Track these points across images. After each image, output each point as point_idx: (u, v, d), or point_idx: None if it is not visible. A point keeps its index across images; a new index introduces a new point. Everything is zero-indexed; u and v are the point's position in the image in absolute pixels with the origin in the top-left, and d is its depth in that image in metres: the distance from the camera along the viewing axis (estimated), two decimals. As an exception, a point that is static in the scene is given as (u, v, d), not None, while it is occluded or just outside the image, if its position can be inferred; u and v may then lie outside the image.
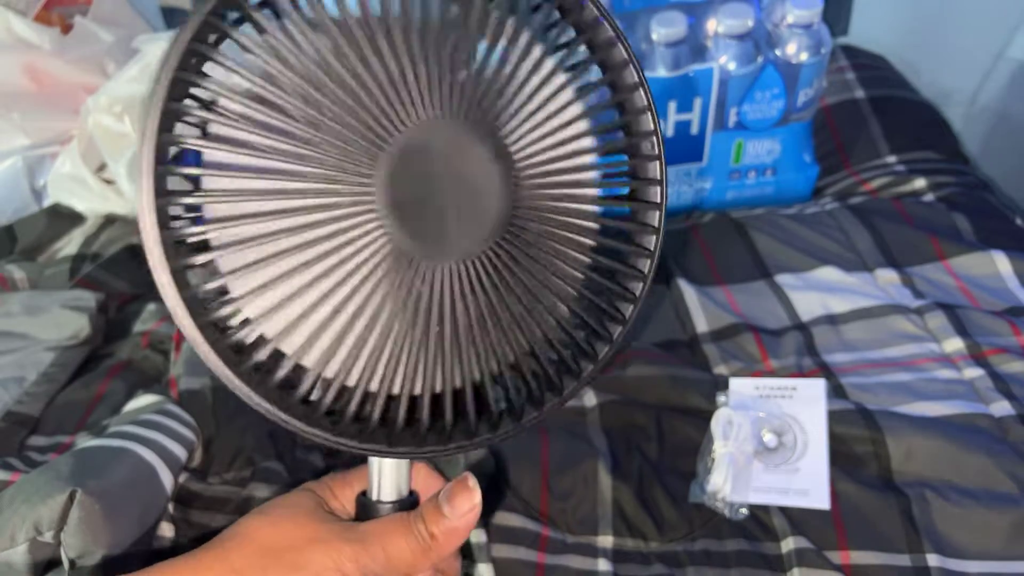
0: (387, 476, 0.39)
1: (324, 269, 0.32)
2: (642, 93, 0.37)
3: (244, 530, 0.37)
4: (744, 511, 0.53)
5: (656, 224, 0.39)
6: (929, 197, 0.79)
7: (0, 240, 0.90)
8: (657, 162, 0.38)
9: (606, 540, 0.53)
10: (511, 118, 0.34)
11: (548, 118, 0.35)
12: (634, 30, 0.75)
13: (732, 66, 0.73)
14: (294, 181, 0.31)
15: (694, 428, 0.58)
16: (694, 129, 0.78)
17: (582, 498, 0.55)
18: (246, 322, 0.32)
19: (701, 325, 0.68)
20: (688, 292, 0.70)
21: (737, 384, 0.60)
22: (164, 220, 0.30)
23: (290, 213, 0.31)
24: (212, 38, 0.31)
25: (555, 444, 0.57)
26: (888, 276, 0.69)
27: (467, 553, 0.52)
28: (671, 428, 0.59)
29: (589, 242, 0.37)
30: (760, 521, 0.54)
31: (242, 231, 0.31)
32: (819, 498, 0.53)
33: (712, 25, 0.74)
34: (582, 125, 0.36)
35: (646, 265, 0.39)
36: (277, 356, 0.33)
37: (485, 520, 0.53)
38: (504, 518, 0.54)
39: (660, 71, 0.74)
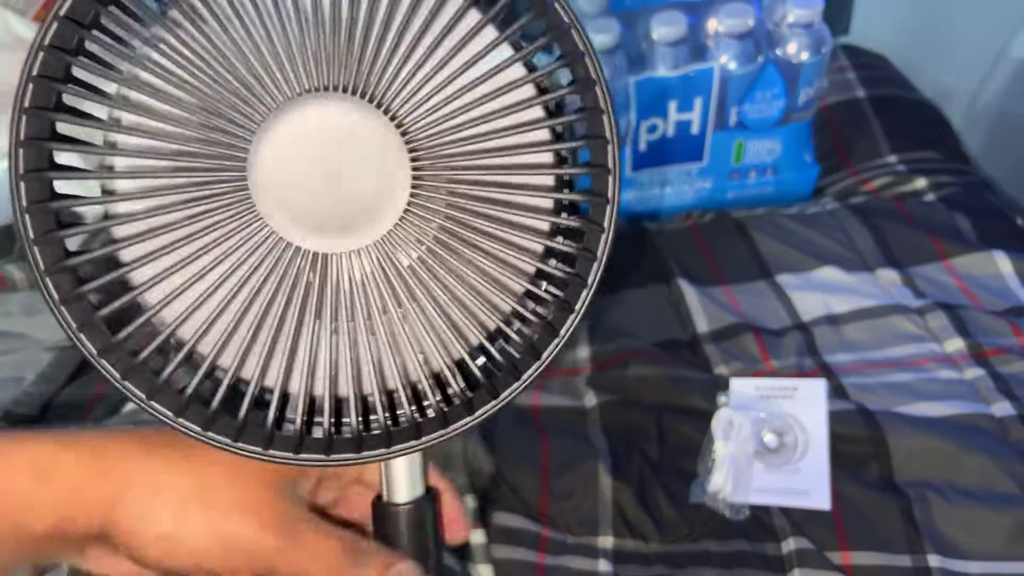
0: (396, 474, 0.36)
1: (210, 263, 0.30)
2: (588, 63, 0.31)
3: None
4: (745, 512, 0.53)
5: (605, 225, 0.33)
6: (930, 197, 0.78)
7: (0, 240, 0.90)
8: (610, 146, 0.32)
9: (606, 541, 0.53)
10: (415, 83, 0.30)
11: (470, 83, 0.30)
12: (634, 30, 0.75)
13: (733, 66, 0.73)
14: (168, 176, 0.30)
15: (695, 428, 0.58)
16: (694, 129, 0.78)
17: (582, 499, 0.55)
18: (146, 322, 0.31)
19: (702, 325, 0.68)
20: (688, 292, 0.70)
21: (738, 384, 0.60)
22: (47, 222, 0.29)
23: (168, 208, 0.30)
24: (74, 40, 0.29)
25: (555, 444, 0.57)
26: (889, 276, 0.69)
27: (467, 553, 0.52)
28: (672, 428, 0.59)
29: (521, 240, 0.32)
30: (761, 521, 0.53)
31: (122, 231, 0.30)
32: (820, 498, 0.53)
33: (712, 24, 0.74)
34: (525, 91, 0.31)
35: (590, 271, 0.33)
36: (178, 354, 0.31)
37: (485, 520, 0.53)
38: (504, 518, 0.54)
39: (660, 71, 0.74)
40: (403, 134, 0.30)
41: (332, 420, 0.32)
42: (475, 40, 0.30)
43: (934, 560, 0.49)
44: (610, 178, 0.32)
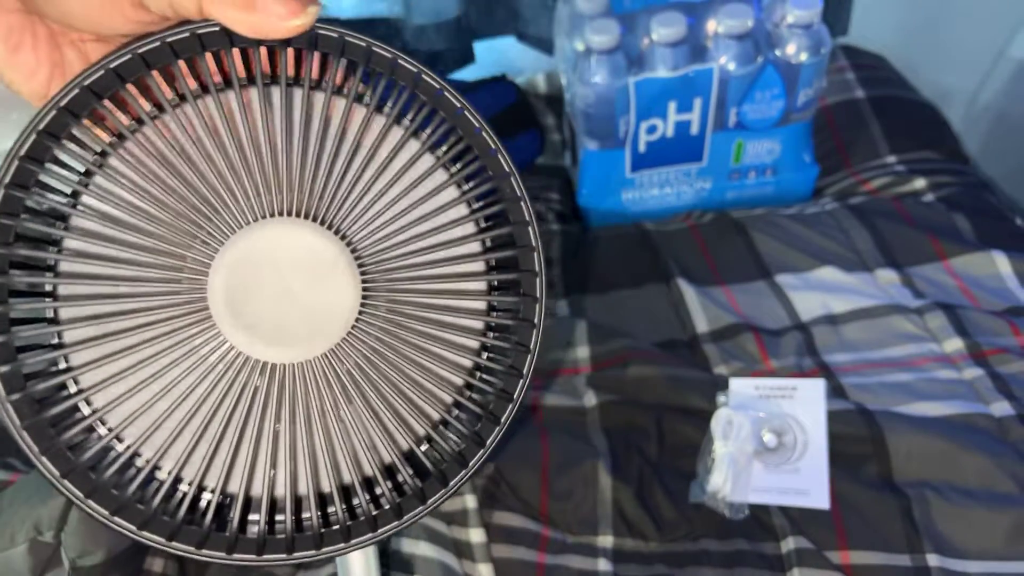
0: (354, 566, 0.39)
1: (174, 378, 0.32)
2: (513, 182, 0.34)
3: None
4: (744, 511, 0.53)
5: (535, 320, 0.35)
6: (929, 197, 0.78)
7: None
8: (535, 253, 0.35)
9: (606, 540, 0.53)
10: (362, 206, 0.32)
11: (411, 205, 0.33)
12: (634, 30, 0.75)
13: (732, 66, 0.73)
14: (131, 286, 0.31)
15: (694, 428, 0.58)
16: (694, 129, 0.78)
17: (582, 498, 0.55)
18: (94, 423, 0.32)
19: (701, 325, 0.68)
20: (688, 292, 0.70)
21: (737, 384, 0.60)
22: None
23: (129, 314, 0.31)
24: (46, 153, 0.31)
25: (555, 444, 0.57)
26: (888, 276, 0.69)
27: (467, 553, 0.52)
28: (671, 428, 0.59)
29: (458, 339, 0.35)
30: (760, 521, 0.54)
31: (82, 333, 0.32)
32: (819, 498, 0.53)
33: (712, 25, 0.74)
34: (457, 211, 0.34)
35: (523, 364, 0.35)
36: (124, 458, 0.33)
37: (485, 520, 0.53)
38: (504, 518, 0.54)
39: (660, 71, 0.74)
40: (352, 251, 0.32)
41: (293, 518, 0.34)
42: (415, 166, 0.33)
43: (933, 560, 0.50)
44: (536, 280, 0.35)
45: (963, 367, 0.61)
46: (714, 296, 0.70)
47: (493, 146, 0.34)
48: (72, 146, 0.31)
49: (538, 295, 0.35)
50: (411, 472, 0.35)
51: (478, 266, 0.35)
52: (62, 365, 0.32)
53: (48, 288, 0.32)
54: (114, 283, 0.31)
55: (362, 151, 0.33)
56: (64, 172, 0.31)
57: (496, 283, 0.35)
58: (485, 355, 0.35)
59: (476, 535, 0.52)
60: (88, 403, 0.32)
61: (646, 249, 0.76)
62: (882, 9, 1.06)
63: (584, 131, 0.80)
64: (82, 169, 0.31)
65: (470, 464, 0.35)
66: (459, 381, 0.35)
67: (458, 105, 0.33)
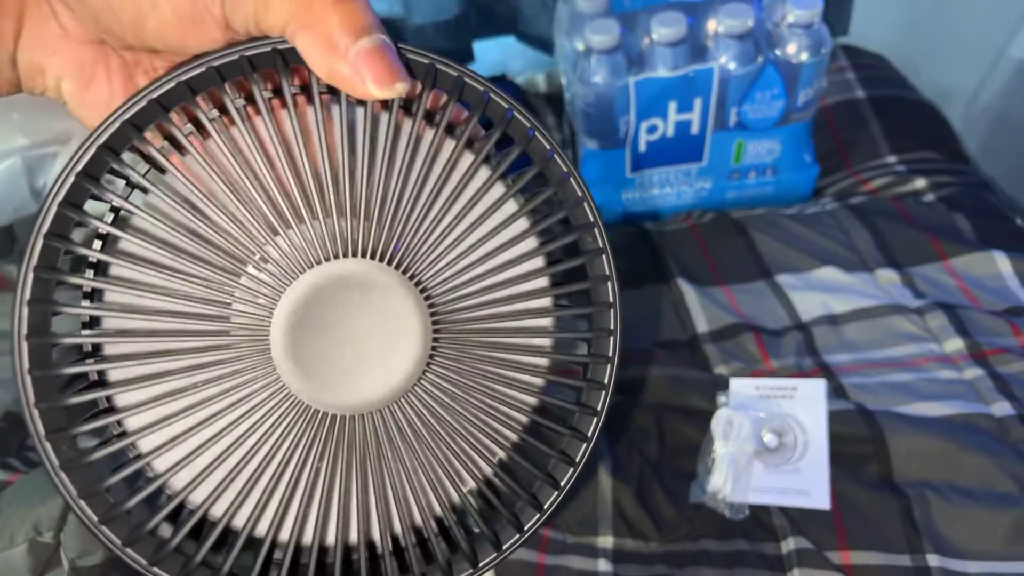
0: None
1: (227, 423, 0.30)
2: (597, 233, 0.32)
3: None
4: (744, 511, 0.53)
5: (606, 381, 0.33)
6: (929, 197, 0.78)
7: (0, 240, 0.90)
8: (611, 311, 0.33)
9: (606, 540, 0.53)
10: (441, 249, 0.30)
11: (484, 255, 0.31)
12: (634, 30, 0.75)
13: (732, 66, 0.73)
14: (187, 324, 0.29)
15: (694, 428, 0.58)
16: (694, 129, 0.78)
17: (582, 498, 0.55)
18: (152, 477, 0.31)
19: (701, 325, 0.68)
20: (688, 292, 0.70)
21: (737, 384, 0.60)
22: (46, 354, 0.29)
23: (183, 359, 0.29)
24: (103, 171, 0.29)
25: (555, 444, 0.57)
26: (888, 276, 0.69)
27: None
28: (671, 428, 0.59)
29: (527, 399, 0.32)
30: (760, 521, 0.54)
31: (135, 372, 0.30)
32: (819, 498, 0.53)
33: (712, 25, 0.74)
34: (535, 262, 0.31)
35: (590, 427, 0.34)
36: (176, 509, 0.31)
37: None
38: (504, 518, 0.54)
39: (660, 71, 0.74)
40: (426, 299, 0.30)
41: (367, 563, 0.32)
42: (487, 196, 0.30)
43: (933, 560, 0.49)
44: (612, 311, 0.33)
45: (963, 367, 0.61)
46: (714, 296, 0.70)
47: (565, 170, 0.31)
48: (130, 161, 0.29)
49: (612, 327, 0.33)
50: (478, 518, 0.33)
51: (546, 303, 0.32)
52: (104, 404, 0.30)
53: (92, 315, 0.30)
54: (163, 319, 0.29)
55: (446, 189, 0.30)
56: (119, 183, 0.29)
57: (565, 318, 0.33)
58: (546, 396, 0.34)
59: (476, 535, 0.52)
60: (135, 447, 0.31)
61: (646, 249, 0.76)
62: (882, 9, 1.06)
63: (584, 131, 0.80)
64: (138, 182, 0.29)
65: (553, 497, 0.33)
66: (525, 420, 0.33)
67: (528, 127, 0.31)
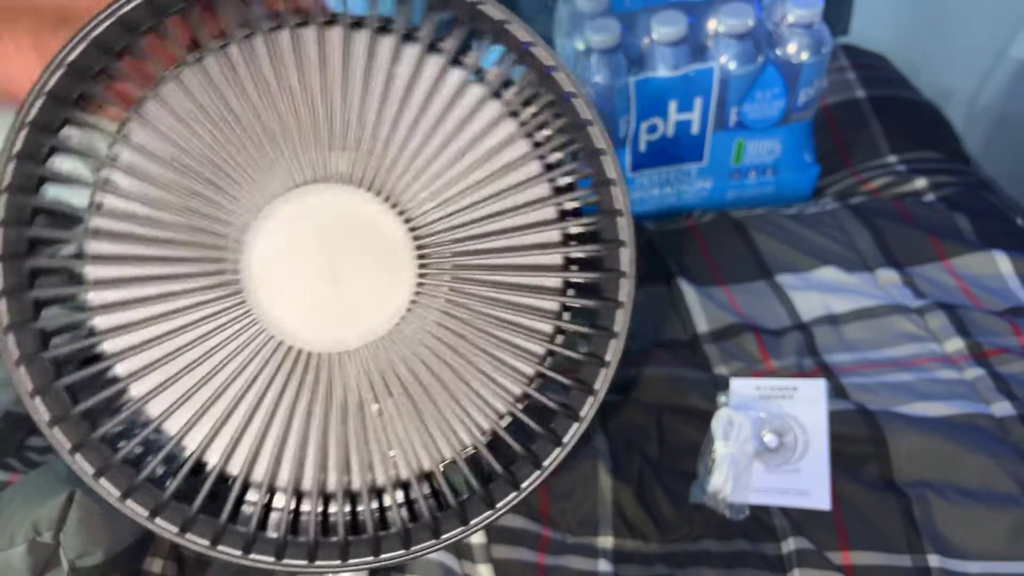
0: None
1: (200, 354, 0.28)
2: (597, 130, 0.30)
3: None
4: (745, 512, 0.53)
5: (616, 329, 0.30)
6: (930, 197, 0.78)
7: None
8: (622, 218, 0.30)
9: (606, 541, 0.53)
10: (428, 176, 0.27)
11: (472, 165, 0.28)
12: (634, 30, 0.75)
13: (732, 66, 0.73)
14: (162, 250, 0.27)
15: (694, 428, 0.58)
16: (695, 129, 0.78)
17: (582, 499, 0.55)
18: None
19: (701, 325, 0.68)
20: (688, 292, 0.70)
21: (738, 384, 0.60)
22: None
23: (151, 301, 0.28)
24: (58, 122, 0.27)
25: (555, 444, 0.57)
26: (889, 276, 0.69)
27: (467, 554, 0.52)
28: (671, 428, 0.59)
29: (532, 347, 0.30)
30: (761, 522, 0.53)
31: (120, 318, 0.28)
32: (820, 499, 0.53)
33: (712, 24, 0.74)
34: (532, 168, 0.29)
35: (610, 350, 0.31)
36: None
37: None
38: (504, 519, 0.53)
39: (660, 71, 0.74)
40: (411, 230, 0.28)
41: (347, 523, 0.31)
42: (491, 134, 0.28)
43: (934, 560, 0.49)
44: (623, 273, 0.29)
45: (964, 367, 0.61)
46: (714, 296, 0.70)
47: (587, 117, 0.29)
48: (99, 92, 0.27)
49: (624, 269, 0.30)
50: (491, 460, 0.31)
51: (554, 236, 0.30)
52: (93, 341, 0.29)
53: (76, 269, 0.28)
54: (145, 244, 0.27)
55: (432, 108, 0.28)
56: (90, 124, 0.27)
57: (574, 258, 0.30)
58: (560, 338, 0.31)
59: (476, 536, 0.52)
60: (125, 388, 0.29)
61: (646, 249, 0.76)
62: (883, 9, 1.06)
63: (584, 131, 0.80)
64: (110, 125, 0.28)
65: (552, 456, 0.30)
66: (530, 371, 0.30)
67: (550, 64, 0.28)
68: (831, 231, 0.74)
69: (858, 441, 0.56)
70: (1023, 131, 1.03)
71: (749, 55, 0.73)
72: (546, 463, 0.31)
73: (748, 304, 0.69)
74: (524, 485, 0.30)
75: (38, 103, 0.26)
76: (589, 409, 0.31)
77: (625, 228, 0.30)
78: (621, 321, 0.30)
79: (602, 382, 0.30)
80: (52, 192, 0.28)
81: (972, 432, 0.55)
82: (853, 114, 0.89)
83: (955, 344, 0.62)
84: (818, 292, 0.69)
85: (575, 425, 0.30)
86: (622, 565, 0.52)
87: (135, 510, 0.30)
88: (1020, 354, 0.60)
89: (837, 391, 0.61)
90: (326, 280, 0.27)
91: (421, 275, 0.28)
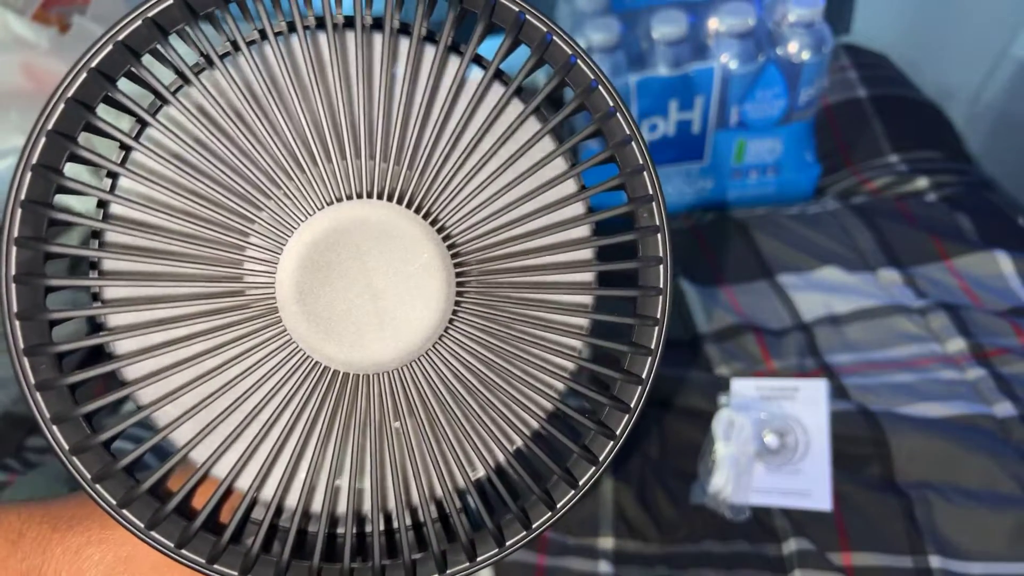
0: None
1: (230, 378, 0.27)
2: (635, 148, 0.29)
3: None
4: (746, 512, 0.53)
5: (653, 346, 0.30)
6: (931, 197, 0.78)
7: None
8: (659, 235, 0.29)
9: (607, 542, 0.53)
10: (467, 193, 0.27)
11: (512, 183, 0.27)
12: (635, 29, 0.75)
13: (733, 65, 0.73)
14: (181, 284, 0.27)
15: (695, 429, 0.58)
16: (695, 128, 0.78)
17: (582, 499, 0.54)
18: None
19: (702, 325, 0.68)
20: (689, 292, 0.70)
21: (739, 385, 0.60)
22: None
23: (184, 306, 0.26)
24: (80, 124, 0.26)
25: (555, 445, 0.57)
26: (890, 276, 0.69)
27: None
28: (672, 429, 0.59)
29: (569, 341, 0.30)
30: (762, 522, 0.53)
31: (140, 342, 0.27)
32: (821, 499, 0.53)
33: (713, 24, 0.74)
34: (568, 186, 0.28)
35: (632, 396, 0.30)
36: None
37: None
38: (504, 519, 0.53)
39: (661, 70, 0.74)
40: (450, 247, 0.27)
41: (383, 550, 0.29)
42: (533, 150, 0.27)
43: (935, 561, 0.49)
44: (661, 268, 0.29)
45: (966, 367, 0.60)
46: (716, 296, 0.70)
47: (628, 132, 0.28)
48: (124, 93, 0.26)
49: (662, 286, 0.29)
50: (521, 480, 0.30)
51: (587, 254, 0.29)
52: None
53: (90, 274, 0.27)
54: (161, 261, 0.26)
55: (474, 124, 0.27)
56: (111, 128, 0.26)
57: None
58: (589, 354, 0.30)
59: (476, 536, 0.52)
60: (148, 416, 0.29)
61: (647, 249, 0.76)
62: (884, 8, 1.05)
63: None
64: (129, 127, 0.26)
65: (580, 483, 0.30)
66: (561, 387, 0.30)
67: (592, 77, 0.27)
68: (832, 231, 0.74)
69: (859, 442, 0.56)
70: (1025, 131, 1.02)
71: (750, 54, 0.73)
72: (582, 482, 0.31)
73: (749, 304, 0.69)
74: (560, 505, 0.30)
75: (59, 108, 0.25)
76: (623, 427, 0.30)
77: (661, 245, 0.30)
78: (656, 337, 0.30)
79: (637, 400, 0.30)
80: (69, 201, 0.27)
81: (974, 433, 0.55)
82: (854, 114, 0.89)
83: (957, 344, 0.62)
84: (819, 292, 0.69)
85: (609, 444, 0.30)
86: (622, 566, 0.52)
87: (181, 553, 0.29)
88: (1022, 354, 0.60)
89: (838, 392, 0.60)
90: (365, 299, 0.27)
91: (459, 293, 0.27)
